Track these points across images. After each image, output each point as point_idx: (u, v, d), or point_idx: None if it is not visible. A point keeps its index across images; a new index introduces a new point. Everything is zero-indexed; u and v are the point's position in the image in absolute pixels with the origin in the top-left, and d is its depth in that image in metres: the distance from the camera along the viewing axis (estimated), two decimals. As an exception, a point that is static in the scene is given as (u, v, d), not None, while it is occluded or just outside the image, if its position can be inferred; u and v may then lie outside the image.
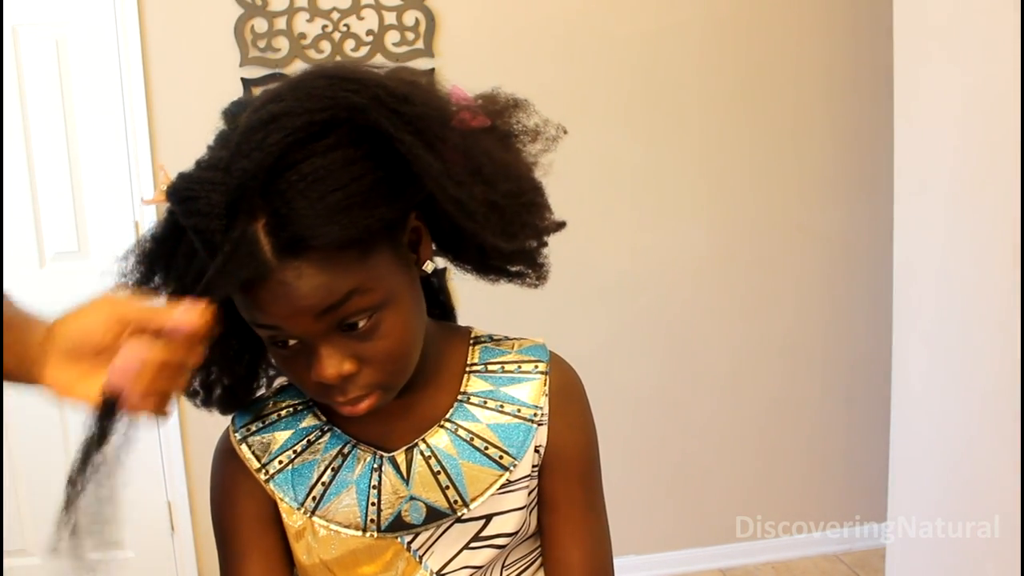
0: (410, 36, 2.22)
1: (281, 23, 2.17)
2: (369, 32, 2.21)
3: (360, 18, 2.20)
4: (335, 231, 0.59)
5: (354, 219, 0.60)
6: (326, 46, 2.20)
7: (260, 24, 2.16)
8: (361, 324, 0.64)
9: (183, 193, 0.61)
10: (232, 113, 0.66)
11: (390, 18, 2.21)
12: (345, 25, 2.20)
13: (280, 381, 0.82)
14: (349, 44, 2.21)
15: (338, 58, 2.19)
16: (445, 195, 0.64)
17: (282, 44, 2.18)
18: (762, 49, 2.38)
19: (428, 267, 0.72)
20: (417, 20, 2.22)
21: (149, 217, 2.18)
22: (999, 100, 1.59)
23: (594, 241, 2.34)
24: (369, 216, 0.61)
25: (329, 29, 2.19)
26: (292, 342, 0.66)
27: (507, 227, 0.70)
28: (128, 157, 2.18)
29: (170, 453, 2.28)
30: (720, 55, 2.36)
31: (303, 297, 0.61)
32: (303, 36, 2.19)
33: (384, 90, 0.62)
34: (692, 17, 2.33)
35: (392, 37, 2.22)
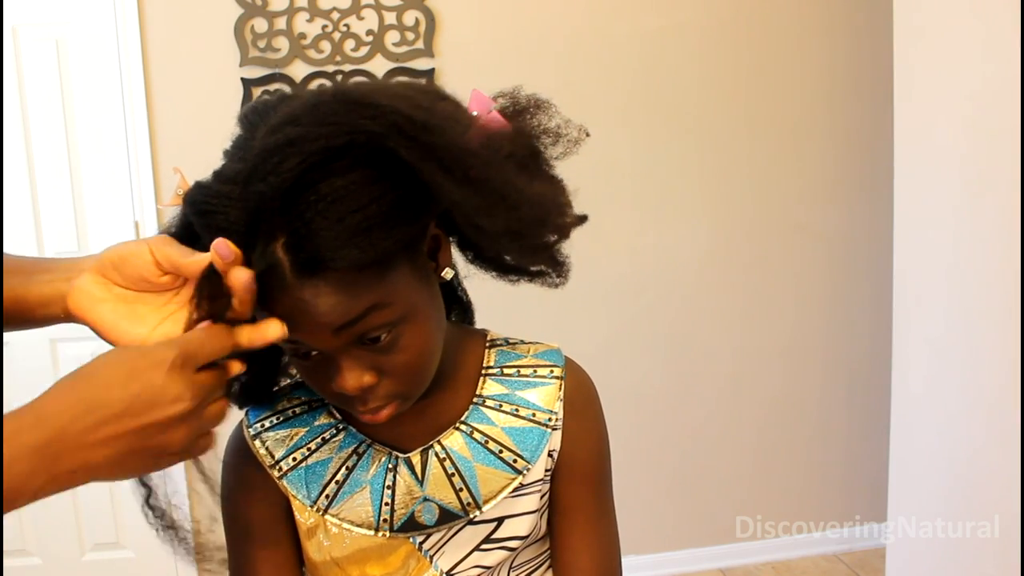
0: (410, 36, 2.22)
1: (281, 23, 2.17)
2: (369, 32, 2.21)
3: (360, 18, 2.20)
4: (354, 254, 0.59)
5: (373, 241, 0.59)
6: (326, 46, 2.20)
7: (260, 24, 2.16)
8: (382, 338, 0.64)
9: (201, 206, 0.61)
10: (249, 120, 0.65)
11: (390, 18, 2.21)
12: (345, 25, 2.20)
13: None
14: (349, 44, 2.21)
15: (338, 58, 2.19)
16: (468, 223, 0.63)
17: (282, 44, 2.18)
18: (762, 49, 2.38)
19: (447, 274, 0.71)
20: (417, 20, 2.22)
21: (150, 217, 2.18)
22: (999, 100, 1.59)
23: (594, 241, 2.34)
24: (388, 237, 0.60)
25: (329, 29, 2.19)
26: (313, 353, 0.66)
27: (530, 248, 0.70)
28: (128, 157, 2.18)
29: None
30: (720, 55, 2.36)
31: (321, 315, 0.61)
32: (303, 36, 2.19)
33: (402, 117, 0.59)
34: (692, 17, 2.33)
35: (392, 37, 2.22)
